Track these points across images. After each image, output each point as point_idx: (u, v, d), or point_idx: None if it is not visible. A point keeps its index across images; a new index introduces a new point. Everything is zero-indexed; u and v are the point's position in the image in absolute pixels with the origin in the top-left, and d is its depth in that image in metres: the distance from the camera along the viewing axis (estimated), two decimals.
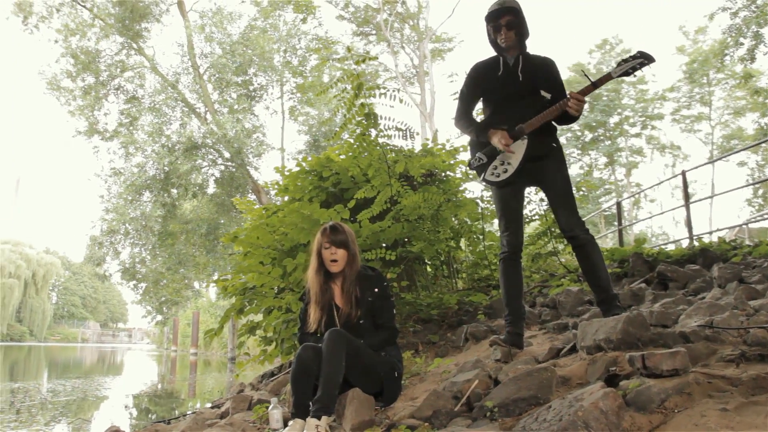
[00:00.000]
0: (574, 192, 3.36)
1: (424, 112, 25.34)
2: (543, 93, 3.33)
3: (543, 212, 6.59)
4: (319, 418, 2.82)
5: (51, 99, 24.28)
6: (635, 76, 3.17)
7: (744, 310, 2.83)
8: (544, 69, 3.42)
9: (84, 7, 21.25)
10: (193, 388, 12.45)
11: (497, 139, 3.29)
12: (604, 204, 29.12)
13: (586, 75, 3.28)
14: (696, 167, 9.81)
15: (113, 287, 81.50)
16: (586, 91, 3.17)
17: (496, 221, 6.92)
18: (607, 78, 3.14)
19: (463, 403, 2.70)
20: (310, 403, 2.94)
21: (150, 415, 7.94)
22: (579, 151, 33.97)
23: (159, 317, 41.02)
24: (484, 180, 3.46)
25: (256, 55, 21.10)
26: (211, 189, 23.03)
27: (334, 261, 3.36)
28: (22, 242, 61.81)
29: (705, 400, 1.80)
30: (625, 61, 3.12)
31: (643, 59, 3.07)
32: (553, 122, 3.39)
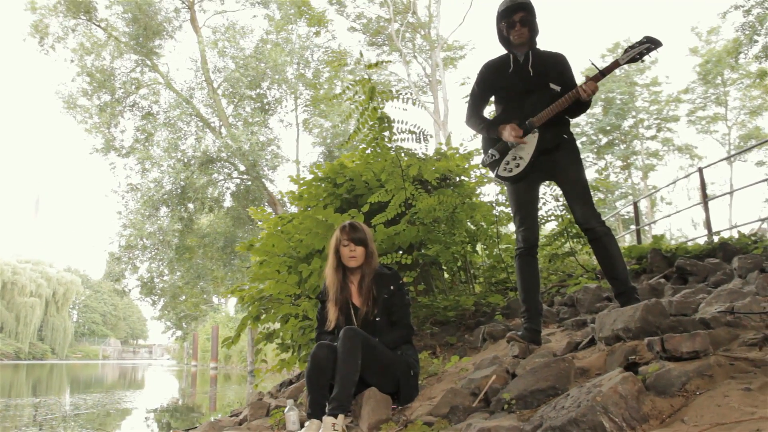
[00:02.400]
0: (589, 185, 3.32)
1: (438, 120, 25.34)
2: (552, 86, 3.31)
3: (560, 212, 6.54)
4: (335, 417, 2.80)
5: (68, 118, 24.63)
6: (643, 61, 3.13)
7: (766, 296, 2.77)
8: (555, 64, 3.40)
9: (98, 26, 21.58)
10: (213, 401, 12.45)
11: (507, 133, 3.29)
12: (622, 209, 28.83)
13: (593, 64, 3.25)
14: (712, 164, 9.70)
15: (133, 304, 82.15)
16: (595, 79, 3.14)
17: (512, 225, 6.89)
18: (615, 65, 3.12)
19: (480, 399, 2.67)
20: (326, 403, 2.92)
21: (171, 430, 7.95)
22: (594, 155, 33.74)
23: (178, 332, 41.28)
24: (497, 176, 3.44)
25: (270, 69, 21.25)
26: (228, 203, 23.17)
27: (353, 257, 3.36)
28: (43, 261, 62.61)
29: (727, 381, 1.75)
30: (632, 47, 3.09)
31: (650, 44, 3.03)
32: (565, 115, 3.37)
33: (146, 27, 20.77)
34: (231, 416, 5.84)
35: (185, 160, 20.54)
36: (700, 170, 9.13)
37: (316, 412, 2.94)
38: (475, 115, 3.56)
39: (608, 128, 32.31)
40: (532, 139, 3.27)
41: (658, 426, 1.69)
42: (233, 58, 21.76)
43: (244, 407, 6.41)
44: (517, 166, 3.31)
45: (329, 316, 3.37)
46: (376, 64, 5.66)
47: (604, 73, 3.14)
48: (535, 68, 3.37)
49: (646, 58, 3.07)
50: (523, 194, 3.39)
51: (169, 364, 51.79)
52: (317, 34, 23.39)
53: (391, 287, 3.35)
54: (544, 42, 3.50)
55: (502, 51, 3.56)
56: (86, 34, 21.60)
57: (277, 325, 6.31)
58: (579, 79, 3.30)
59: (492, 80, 3.51)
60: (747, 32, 17.47)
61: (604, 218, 3.29)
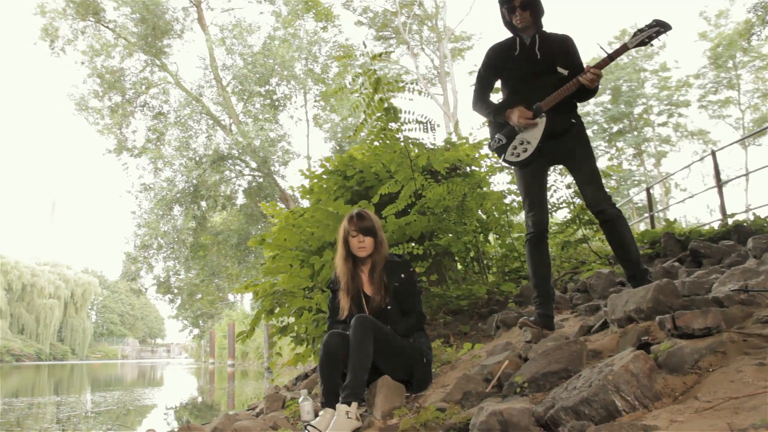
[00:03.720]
0: (598, 167, 3.29)
1: (447, 112, 25.28)
2: (560, 70, 3.28)
3: (571, 200, 6.49)
4: (349, 404, 2.80)
5: (80, 119, 24.85)
6: (652, 45, 3.08)
7: None
8: (562, 46, 3.37)
9: (107, 27, 21.70)
10: (231, 397, 12.52)
11: (516, 117, 3.26)
12: (635, 196, 28.59)
13: (601, 47, 3.20)
14: (725, 146, 9.58)
15: (150, 303, 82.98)
16: (602, 64, 3.10)
17: (524, 214, 6.83)
18: (623, 49, 3.07)
19: (493, 384, 2.66)
20: (340, 391, 2.92)
21: (185, 423, 8.01)
22: (606, 144, 33.48)
23: (195, 331, 41.59)
24: (504, 161, 3.42)
25: (278, 65, 21.28)
26: (240, 200, 23.27)
27: (362, 248, 3.35)
28: (60, 263, 63.24)
29: (741, 357, 1.73)
30: (640, 30, 3.04)
31: (659, 27, 2.98)
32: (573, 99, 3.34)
33: (154, 27, 20.87)
34: (248, 410, 5.89)
35: (197, 159, 20.66)
36: (713, 153, 9.04)
37: (329, 400, 2.94)
38: (481, 100, 3.53)
39: (618, 116, 32.03)
40: (540, 124, 3.25)
41: (671, 403, 1.67)
42: (241, 55, 21.81)
43: (260, 401, 6.46)
44: (525, 150, 3.29)
45: (341, 304, 3.37)
46: (380, 55, 5.65)
47: (612, 57, 3.10)
48: (541, 51, 3.34)
49: (655, 41, 3.03)
50: (531, 179, 3.37)
51: (187, 362, 52.16)
52: (325, 29, 23.40)
53: (402, 275, 3.34)
54: (550, 28, 3.46)
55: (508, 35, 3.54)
56: (95, 35, 21.76)
57: (292, 319, 6.33)
58: (586, 62, 3.26)
59: (498, 64, 3.48)
60: (759, 13, 17.19)
61: (617, 205, 3.25)
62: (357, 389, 2.87)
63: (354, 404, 2.82)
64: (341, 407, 2.79)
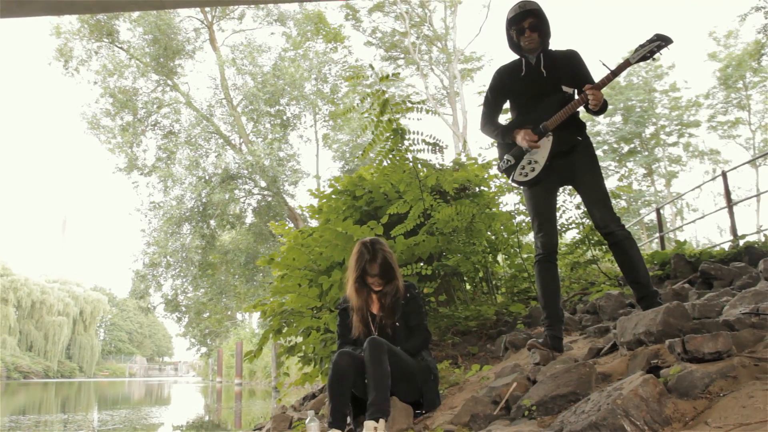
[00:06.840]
0: (607, 188, 3.28)
1: (457, 132, 25.34)
2: (565, 89, 3.29)
3: (580, 220, 6.47)
4: (377, 421, 2.80)
5: (92, 138, 25.12)
6: (655, 59, 3.09)
7: None
8: (567, 62, 3.39)
9: (121, 48, 21.98)
10: (238, 417, 12.46)
11: (521, 138, 3.28)
12: (645, 217, 28.43)
13: (604, 65, 3.21)
14: (736, 167, 9.52)
15: (158, 321, 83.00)
16: (604, 81, 3.12)
17: (532, 235, 6.79)
18: (625, 65, 3.09)
19: (502, 407, 2.64)
20: (347, 413, 2.91)
21: None
22: (616, 164, 33.41)
23: (203, 349, 41.54)
24: (513, 181, 3.43)
25: (288, 85, 21.44)
26: (249, 219, 23.34)
27: (380, 288, 3.37)
28: (70, 280, 63.47)
29: (752, 382, 1.71)
30: (642, 45, 3.06)
31: (661, 41, 3.00)
32: (580, 117, 3.35)
33: (166, 47, 21.12)
34: (255, 430, 5.86)
35: (206, 178, 20.79)
36: (724, 174, 9.00)
37: (337, 421, 2.93)
38: (489, 122, 3.56)
39: (629, 136, 32.00)
40: (547, 143, 3.26)
41: (680, 428, 1.65)
42: (252, 75, 22.01)
43: (267, 421, 6.42)
44: (533, 170, 3.30)
45: (354, 324, 3.37)
46: (388, 77, 5.68)
47: (615, 73, 3.12)
48: (547, 69, 3.36)
49: (657, 56, 3.04)
50: (540, 199, 3.37)
51: (195, 380, 52.03)
52: (334, 50, 23.60)
53: (407, 294, 3.38)
54: (558, 46, 3.48)
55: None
56: (109, 56, 22.03)
57: (299, 339, 6.32)
58: (595, 76, 3.27)
59: (505, 85, 3.51)
60: None
61: (627, 226, 3.24)
62: (382, 405, 2.86)
63: (381, 421, 2.81)
64: (369, 423, 2.78)
